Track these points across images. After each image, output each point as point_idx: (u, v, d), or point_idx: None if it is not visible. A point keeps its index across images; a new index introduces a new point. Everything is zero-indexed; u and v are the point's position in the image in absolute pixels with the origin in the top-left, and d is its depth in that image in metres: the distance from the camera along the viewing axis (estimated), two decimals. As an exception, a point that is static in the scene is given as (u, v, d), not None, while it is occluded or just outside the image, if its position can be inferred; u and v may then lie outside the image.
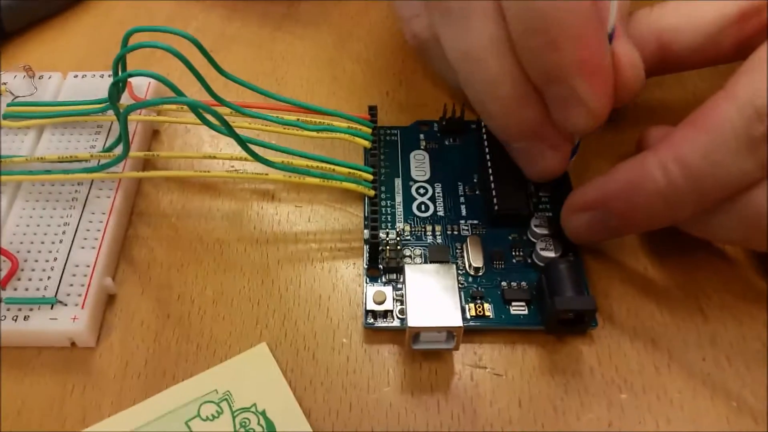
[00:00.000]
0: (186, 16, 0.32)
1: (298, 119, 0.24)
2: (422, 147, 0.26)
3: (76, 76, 0.27)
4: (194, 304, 0.22)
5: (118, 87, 0.22)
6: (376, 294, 0.21)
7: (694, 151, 0.18)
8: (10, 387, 0.20)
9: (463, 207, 0.24)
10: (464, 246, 0.22)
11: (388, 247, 0.22)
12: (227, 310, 0.22)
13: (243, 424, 0.19)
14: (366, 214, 0.23)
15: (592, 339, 0.21)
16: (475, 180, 0.24)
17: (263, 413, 0.19)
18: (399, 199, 0.24)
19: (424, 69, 0.29)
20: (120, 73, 0.23)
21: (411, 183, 0.24)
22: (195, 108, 0.21)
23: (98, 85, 0.27)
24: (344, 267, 0.23)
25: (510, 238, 0.23)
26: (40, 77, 0.27)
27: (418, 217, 0.23)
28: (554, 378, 0.20)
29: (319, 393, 0.20)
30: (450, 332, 0.19)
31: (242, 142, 0.22)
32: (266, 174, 0.24)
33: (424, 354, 0.21)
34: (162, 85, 0.21)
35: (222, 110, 0.23)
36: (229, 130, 0.21)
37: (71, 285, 0.21)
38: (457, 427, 0.19)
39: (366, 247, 0.23)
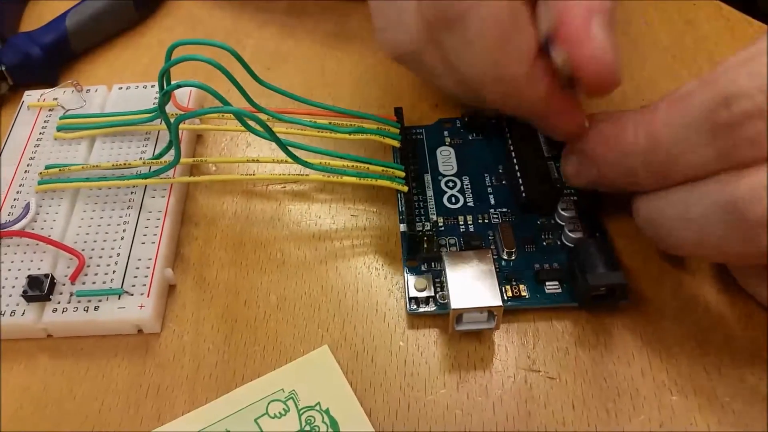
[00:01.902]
0: (242, 34, 0.33)
1: (330, 123, 0.26)
2: (447, 143, 0.27)
3: (120, 88, 0.29)
4: (249, 297, 0.24)
5: (166, 97, 0.24)
6: (417, 281, 0.23)
7: (664, 125, 0.19)
8: (83, 374, 0.22)
9: (491, 197, 0.25)
10: (496, 233, 0.24)
11: (425, 239, 0.23)
12: (282, 305, 0.23)
13: (308, 421, 0.20)
14: (401, 210, 0.25)
15: (641, 339, 0.22)
16: (500, 171, 0.26)
17: (327, 411, 0.20)
18: (430, 193, 0.25)
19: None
20: (165, 84, 0.24)
21: (440, 177, 0.26)
22: (239, 116, 0.23)
23: (141, 95, 0.29)
24: (392, 263, 0.24)
25: (538, 222, 0.24)
26: (87, 91, 0.29)
27: (449, 208, 0.25)
28: (606, 381, 0.21)
29: (378, 394, 0.21)
30: (491, 312, 0.21)
31: (283, 146, 0.23)
32: (306, 175, 0.25)
33: (455, 348, 0.22)
34: (201, 93, 0.22)
35: (260, 116, 0.24)
36: (271, 136, 0.23)
37: (135, 277, 0.23)
38: (512, 428, 0.20)
39: (403, 240, 0.24)
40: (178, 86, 0.23)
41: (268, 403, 0.21)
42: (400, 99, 0.30)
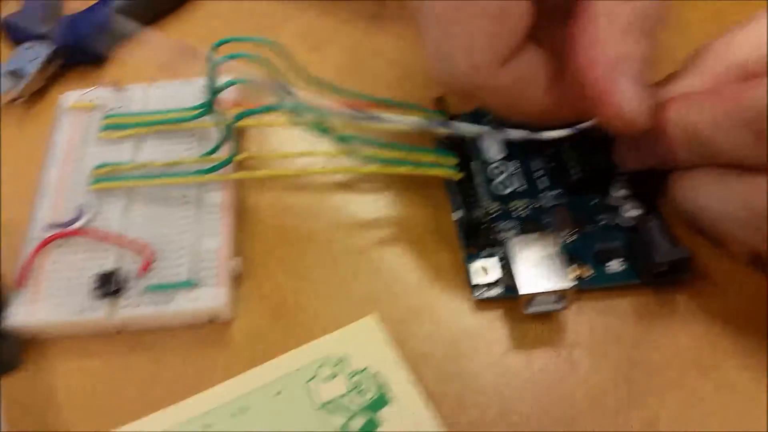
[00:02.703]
0: (283, 18, 0.33)
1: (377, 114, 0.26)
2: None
3: (159, 87, 0.29)
4: (308, 283, 0.24)
5: (216, 95, 0.24)
6: (480, 267, 0.23)
7: (711, 125, 0.20)
8: (158, 365, 0.22)
9: (542, 180, 0.26)
10: (552, 216, 0.24)
11: (483, 225, 0.24)
12: (338, 287, 0.24)
13: (357, 384, 0.21)
14: (453, 197, 0.25)
15: (701, 313, 0.23)
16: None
17: (375, 376, 0.21)
18: (479, 179, 0.26)
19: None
20: (213, 82, 0.24)
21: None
22: (295, 111, 0.23)
23: (180, 92, 0.29)
24: (438, 247, 0.25)
25: (592, 203, 0.25)
26: (126, 89, 0.29)
27: (500, 194, 0.25)
28: (650, 358, 0.22)
29: (425, 361, 0.22)
30: (560, 294, 0.21)
31: (338, 139, 0.24)
32: (360, 166, 0.25)
33: (524, 325, 0.23)
34: (244, 87, 0.22)
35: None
36: (327, 131, 0.23)
37: (204, 269, 0.23)
38: (557, 397, 0.21)
39: (459, 227, 0.24)
40: (231, 83, 0.23)
41: (318, 367, 0.22)
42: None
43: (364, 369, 0.22)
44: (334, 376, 0.21)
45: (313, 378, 0.21)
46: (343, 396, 0.21)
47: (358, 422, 0.20)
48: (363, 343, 0.22)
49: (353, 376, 0.21)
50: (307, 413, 0.21)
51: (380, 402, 0.21)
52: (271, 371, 0.22)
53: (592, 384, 0.21)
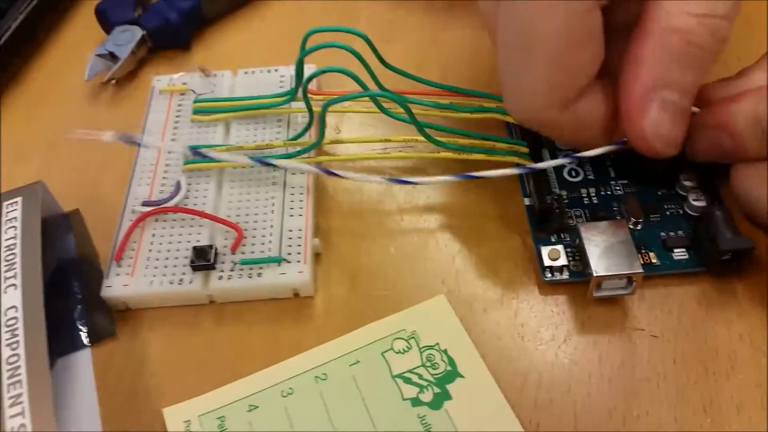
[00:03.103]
0: (356, 7, 0.35)
1: (451, 102, 0.27)
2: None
3: (246, 73, 0.31)
4: (381, 262, 0.26)
5: (306, 83, 0.25)
6: (551, 252, 0.24)
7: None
8: (246, 334, 0.24)
9: (611, 169, 0.27)
10: (620, 204, 0.25)
11: (556, 211, 0.25)
12: (409, 267, 0.25)
13: (429, 358, 0.23)
14: (524, 184, 0.26)
15: (758, 301, 0.23)
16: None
17: (445, 351, 0.23)
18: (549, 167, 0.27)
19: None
20: (303, 70, 0.26)
21: (558, 152, 0.27)
22: (375, 99, 0.24)
23: (265, 78, 0.30)
24: (507, 231, 0.26)
25: (659, 193, 0.26)
26: (214, 75, 0.30)
27: (570, 182, 0.26)
28: (707, 342, 0.23)
29: (491, 340, 0.23)
30: (629, 278, 0.22)
31: (419, 126, 0.25)
32: (438, 152, 0.27)
33: (589, 308, 0.24)
34: (329, 75, 0.24)
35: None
36: (411, 119, 0.24)
37: (290, 246, 0.25)
38: (617, 377, 0.22)
39: (529, 213, 0.26)
40: (323, 71, 0.24)
41: (393, 340, 0.23)
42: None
43: (435, 344, 0.23)
44: (408, 349, 0.23)
45: (388, 350, 0.23)
46: (416, 368, 0.23)
47: (430, 393, 0.22)
48: (433, 321, 0.24)
49: (425, 351, 0.23)
50: (383, 382, 0.22)
51: (451, 376, 0.22)
52: (350, 343, 0.23)
53: (652, 366, 0.22)
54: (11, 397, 0.20)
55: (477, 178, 0.24)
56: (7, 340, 0.21)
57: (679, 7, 0.20)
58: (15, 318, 0.21)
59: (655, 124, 0.21)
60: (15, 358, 0.20)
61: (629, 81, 0.21)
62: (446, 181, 0.26)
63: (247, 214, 0.26)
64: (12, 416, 0.19)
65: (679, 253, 0.24)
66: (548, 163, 0.24)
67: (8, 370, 0.20)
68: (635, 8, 0.21)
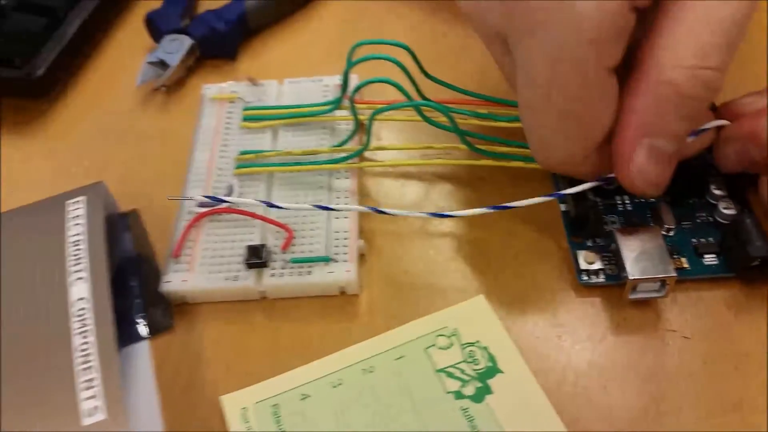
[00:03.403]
0: (397, 15, 0.37)
1: (489, 112, 0.29)
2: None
3: (291, 82, 0.32)
4: (422, 263, 0.27)
5: (354, 92, 0.27)
6: (587, 256, 0.25)
7: None
8: (295, 327, 0.25)
9: (645, 178, 0.28)
10: (654, 211, 0.27)
11: (593, 217, 0.26)
12: (449, 268, 0.27)
13: (470, 354, 0.24)
14: (561, 190, 0.28)
15: None
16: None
17: (486, 348, 0.24)
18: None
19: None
20: (348, 79, 0.28)
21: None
22: (420, 109, 0.26)
23: (310, 88, 0.32)
24: (544, 236, 0.27)
25: (690, 202, 0.27)
26: (262, 84, 0.32)
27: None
28: (734, 345, 0.24)
29: (530, 338, 0.24)
30: (663, 281, 0.24)
31: (461, 134, 0.26)
32: (478, 160, 0.28)
33: (623, 310, 0.25)
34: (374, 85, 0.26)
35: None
36: (454, 127, 0.26)
37: (336, 246, 0.26)
38: (651, 376, 0.23)
39: (565, 218, 0.27)
40: (370, 81, 0.26)
41: (436, 337, 0.24)
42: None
43: (476, 341, 0.24)
44: (450, 346, 0.24)
45: (431, 346, 0.24)
46: (457, 363, 0.24)
47: (472, 387, 0.23)
48: (474, 319, 0.25)
49: (466, 347, 0.24)
50: (427, 376, 0.24)
51: (491, 371, 0.23)
52: (394, 338, 0.25)
53: (683, 365, 0.24)
54: (84, 381, 0.21)
55: (509, 208, 0.25)
56: (78, 329, 0.22)
57: (672, 59, 0.20)
58: (84, 309, 0.23)
59: (642, 169, 0.22)
60: (86, 346, 0.22)
61: (621, 127, 0.22)
62: (481, 213, 0.26)
63: (296, 216, 0.27)
64: (86, 399, 0.21)
65: (710, 259, 0.25)
66: (573, 190, 0.25)
67: (79, 357, 0.22)
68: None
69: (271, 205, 0.26)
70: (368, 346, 0.25)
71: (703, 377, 0.23)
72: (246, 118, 0.30)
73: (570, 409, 0.23)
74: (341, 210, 0.27)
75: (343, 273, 0.25)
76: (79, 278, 0.24)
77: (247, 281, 0.25)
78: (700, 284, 0.25)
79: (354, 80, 0.29)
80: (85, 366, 0.21)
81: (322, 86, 0.32)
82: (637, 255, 0.24)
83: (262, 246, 0.26)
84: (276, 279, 0.25)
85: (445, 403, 0.23)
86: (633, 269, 0.23)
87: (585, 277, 0.25)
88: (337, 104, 0.29)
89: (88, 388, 0.21)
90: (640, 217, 0.26)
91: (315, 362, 0.24)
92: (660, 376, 0.23)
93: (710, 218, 0.26)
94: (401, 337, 0.25)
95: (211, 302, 0.26)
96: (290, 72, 0.33)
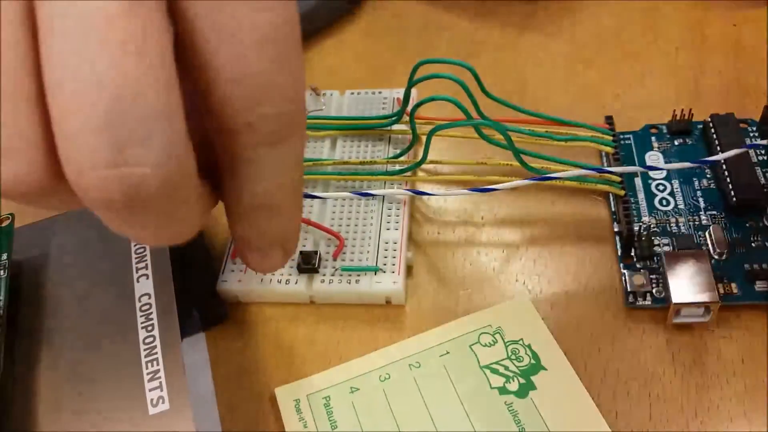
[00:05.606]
0: (438, 24, 0.38)
1: (546, 131, 0.29)
2: (655, 148, 0.30)
3: (352, 93, 0.33)
4: (469, 278, 0.27)
5: (415, 108, 0.28)
6: (635, 278, 0.25)
7: None
8: (346, 333, 0.26)
9: (701, 200, 0.27)
10: (707, 234, 0.26)
11: (642, 239, 0.26)
12: (498, 283, 0.27)
13: (513, 352, 0.24)
14: (615, 210, 0.28)
15: None
16: (708, 174, 0.28)
17: (529, 346, 0.25)
18: (641, 195, 0.28)
19: (651, 72, 0.33)
20: (410, 95, 0.28)
21: (650, 181, 0.28)
22: (477, 127, 0.26)
23: (369, 100, 0.33)
24: (595, 254, 0.27)
25: (747, 225, 0.26)
26: (324, 94, 0.33)
27: (660, 210, 0.27)
28: None
29: (572, 338, 0.25)
30: (707, 307, 0.23)
31: (517, 153, 0.27)
32: (531, 177, 0.28)
33: (667, 333, 0.25)
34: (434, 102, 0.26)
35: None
36: (510, 145, 0.26)
37: (385, 257, 0.27)
38: (689, 373, 0.24)
39: (618, 239, 0.27)
40: (433, 99, 0.27)
41: (480, 334, 0.25)
42: (586, 89, 0.33)
43: (519, 339, 0.25)
44: (494, 343, 0.25)
45: (475, 343, 0.25)
46: (501, 360, 0.24)
47: (516, 383, 0.24)
48: (517, 318, 0.25)
49: (510, 345, 0.25)
50: (472, 371, 0.24)
51: (535, 368, 0.24)
52: (440, 335, 0.25)
53: (722, 363, 0.24)
54: (149, 373, 0.23)
55: (553, 179, 0.27)
56: (143, 323, 0.24)
57: None
58: (148, 304, 0.25)
59: None
60: (150, 339, 0.24)
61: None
62: (524, 185, 0.27)
63: (348, 225, 0.28)
64: (151, 389, 0.22)
65: (762, 285, 0.25)
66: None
67: (145, 350, 0.23)
68: None
69: (309, 196, 0.28)
70: (414, 343, 0.25)
71: (741, 375, 0.23)
72: (307, 127, 0.32)
73: (611, 403, 0.23)
74: (378, 195, 0.28)
75: (390, 284, 0.26)
76: (143, 275, 0.25)
77: (298, 285, 0.27)
78: (749, 311, 0.25)
79: (413, 95, 0.30)
80: (149, 358, 0.23)
81: (382, 98, 0.33)
82: (684, 278, 0.24)
83: (315, 252, 0.27)
84: (326, 285, 0.26)
85: (490, 397, 0.23)
86: (677, 293, 0.23)
87: (632, 299, 0.25)
88: (399, 118, 0.30)
89: (152, 380, 0.23)
90: (692, 240, 0.26)
91: (364, 356, 0.25)
92: (698, 374, 0.24)
93: (766, 243, 0.26)
94: (446, 334, 0.25)
95: (264, 303, 0.28)
96: (343, 83, 0.34)
